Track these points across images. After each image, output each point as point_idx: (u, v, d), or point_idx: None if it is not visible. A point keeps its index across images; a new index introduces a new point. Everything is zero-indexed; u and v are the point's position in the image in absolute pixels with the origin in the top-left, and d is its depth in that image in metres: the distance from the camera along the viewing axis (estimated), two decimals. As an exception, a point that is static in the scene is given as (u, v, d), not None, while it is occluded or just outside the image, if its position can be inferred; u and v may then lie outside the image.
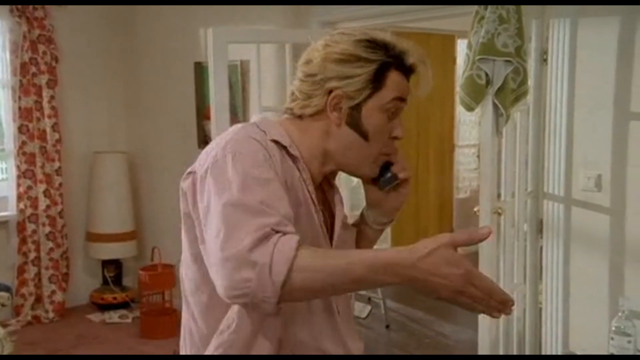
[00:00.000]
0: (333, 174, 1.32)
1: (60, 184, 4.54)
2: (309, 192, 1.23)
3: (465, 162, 6.39)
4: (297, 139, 1.24)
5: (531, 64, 2.69)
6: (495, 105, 2.47)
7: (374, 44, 1.20)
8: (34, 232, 4.44)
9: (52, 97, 4.44)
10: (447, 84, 5.94)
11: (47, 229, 4.45)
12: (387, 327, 4.35)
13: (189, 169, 1.20)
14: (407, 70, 1.23)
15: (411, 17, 3.25)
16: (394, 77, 1.21)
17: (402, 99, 1.23)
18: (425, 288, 0.99)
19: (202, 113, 4.23)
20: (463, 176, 6.39)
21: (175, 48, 4.47)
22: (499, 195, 2.74)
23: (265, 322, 1.17)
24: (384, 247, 1.24)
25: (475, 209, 2.64)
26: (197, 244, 1.18)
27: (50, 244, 4.47)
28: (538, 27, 2.73)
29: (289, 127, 1.26)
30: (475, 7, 2.44)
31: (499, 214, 2.64)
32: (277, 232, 1.02)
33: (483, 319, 2.63)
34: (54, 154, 4.49)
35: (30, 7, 4.26)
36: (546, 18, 2.72)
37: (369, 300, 4.70)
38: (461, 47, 5.78)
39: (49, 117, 4.44)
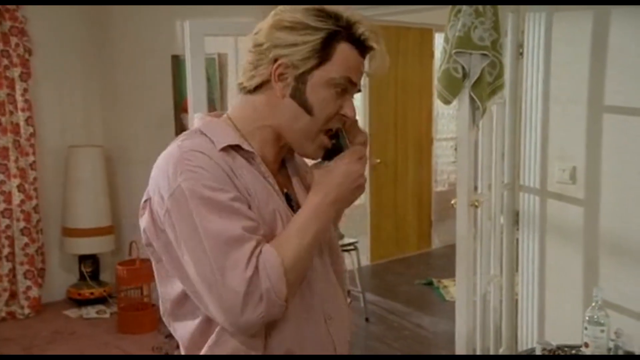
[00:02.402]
0: (293, 152, 1.28)
1: (34, 179, 4.47)
2: (270, 183, 1.20)
3: (443, 155, 6.43)
4: (246, 128, 1.21)
5: (507, 58, 2.72)
6: (472, 99, 2.49)
7: (323, 13, 1.15)
8: (8, 227, 4.37)
9: (25, 90, 4.36)
10: (424, 78, 5.97)
11: (22, 224, 4.38)
12: (367, 319, 4.37)
13: (144, 197, 1.17)
14: (358, 43, 1.17)
15: (388, 10, 3.26)
16: (343, 49, 1.15)
17: (351, 81, 1.18)
18: (351, 194, 1.20)
19: (180, 106, 4.19)
20: (441, 169, 6.43)
21: (151, 41, 4.42)
22: (475, 188, 2.76)
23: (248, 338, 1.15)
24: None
25: (453, 202, 2.67)
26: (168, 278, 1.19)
27: (25, 239, 4.40)
28: (514, 21, 2.76)
29: (237, 116, 1.22)
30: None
31: (476, 207, 2.66)
32: (254, 252, 1.08)
33: (460, 311, 2.66)
34: (28, 148, 4.41)
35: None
36: (522, 12, 2.74)
37: (348, 293, 4.71)
38: (439, 41, 5.80)
39: (23, 110, 4.36)
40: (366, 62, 1.21)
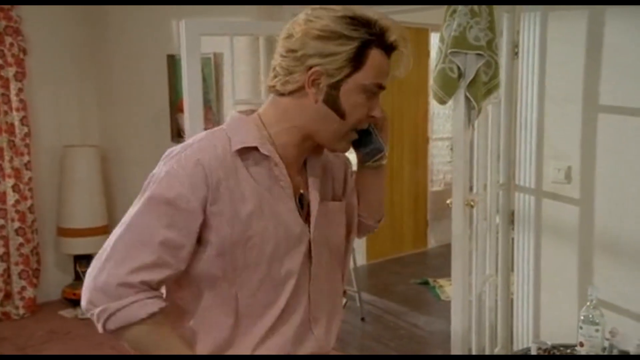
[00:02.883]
0: (318, 152, 1.32)
1: (29, 179, 4.45)
2: (281, 186, 1.24)
3: (439, 155, 6.44)
4: (274, 127, 1.24)
5: (502, 58, 2.72)
6: (467, 99, 2.49)
7: (355, 21, 1.18)
8: (3, 227, 4.35)
9: (20, 90, 4.34)
10: (420, 77, 5.97)
11: (17, 224, 4.36)
12: (363, 319, 4.37)
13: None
14: (388, 48, 1.22)
15: (383, 10, 3.26)
16: (374, 56, 1.19)
17: (381, 85, 1.23)
18: None
19: (176, 106, 4.18)
20: (437, 169, 6.43)
21: (147, 40, 4.41)
22: (471, 188, 2.77)
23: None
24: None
25: (449, 202, 2.67)
26: None
27: (20, 239, 4.39)
28: (509, 21, 2.76)
29: (267, 115, 1.26)
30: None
31: (472, 206, 2.66)
32: (147, 288, 1.16)
33: (456, 310, 2.66)
34: (23, 148, 4.40)
35: (-3, -2, 4.16)
36: (517, 12, 2.75)
37: (344, 293, 4.71)
38: (434, 41, 5.80)
39: (17, 110, 4.35)
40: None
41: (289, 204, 1.25)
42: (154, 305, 1.16)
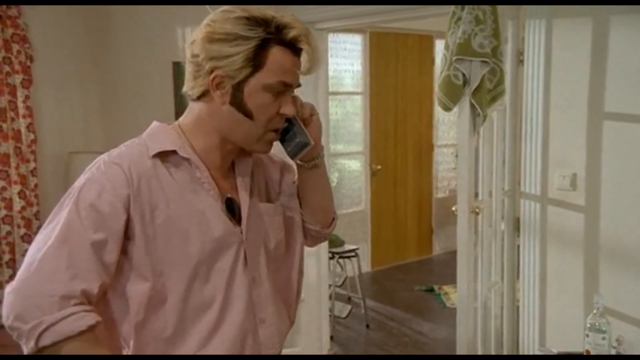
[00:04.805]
0: (246, 154, 1.33)
1: (35, 185, 4.47)
2: (204, 188, 1.25)
3: (443, 161, 6.43)
4: (193, 133, 1.27)
5: (507, 65, 2.72)
6: (472, 106, 2.49)
7: (252, 21, 1.18)
8: (9, 233, 4.36)
9: (26, 97, 4.37)
10: (425, 84, 5.98)
11: (22, 230, 4.38)
12: (367, 326, 4.36)
13: None
14: (290, 46, 1.21)
15: (389, 17, 3.27)
16: (275, 54, 1.19)
17: (286, 83, 1.21)
18: None
19: (181, 113, 4.19)
20: (442, 176, 6.43)
21: (152, 47, 4.43)
22: (476, 195, 2.76)
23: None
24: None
25: (454, 209, 2.66)
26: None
27: (26, 246, 4.39)
28: (514, 28, 2.76)
29: (185, 122, 1.30)
30: (452, 8, 2.47)
31: (477, 213, 2.66)
32: (85, 300, 1.14)
33: (461, 318, 2.65)
34: (29, 155, 4.42)
35: (4, 5, 4.19)
36: (521, 19, 2.75)
37: (349, 300, 4.70)
38: (439, 48, 5.82)
39: (24, 117, 4.37)
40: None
41: (214, 205, 1.25)
42: (92, 318, 1.14)
